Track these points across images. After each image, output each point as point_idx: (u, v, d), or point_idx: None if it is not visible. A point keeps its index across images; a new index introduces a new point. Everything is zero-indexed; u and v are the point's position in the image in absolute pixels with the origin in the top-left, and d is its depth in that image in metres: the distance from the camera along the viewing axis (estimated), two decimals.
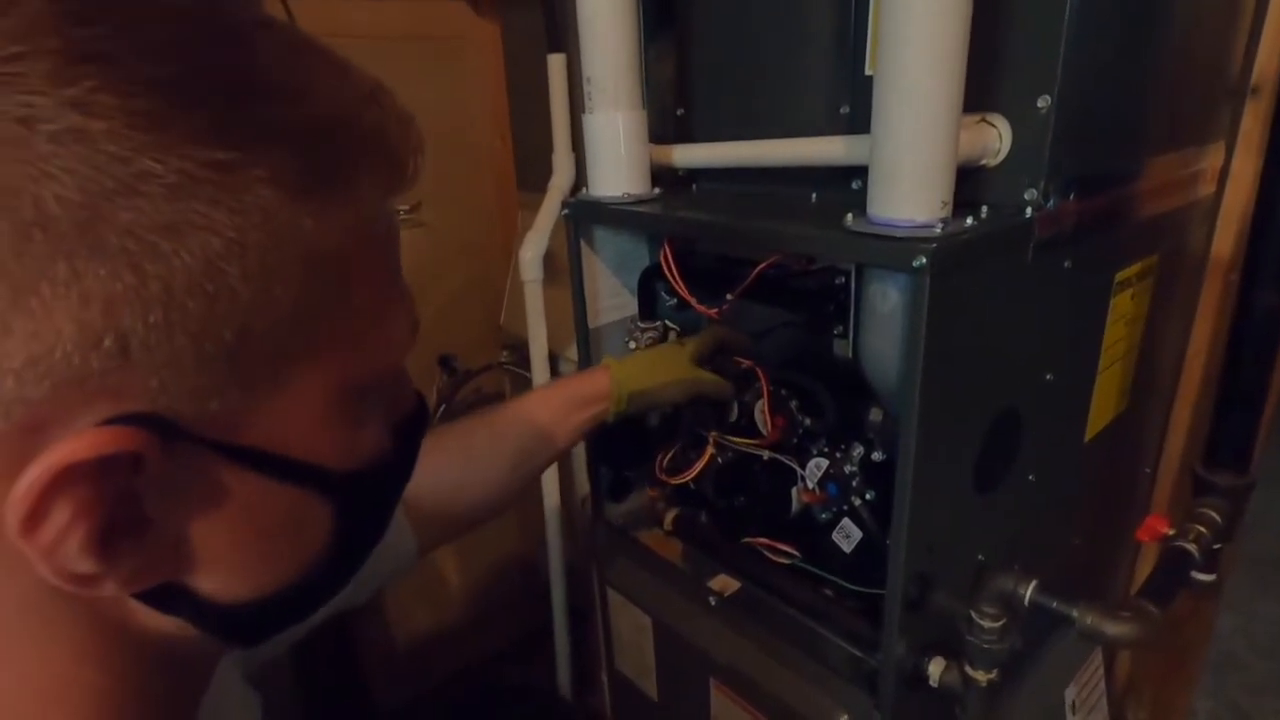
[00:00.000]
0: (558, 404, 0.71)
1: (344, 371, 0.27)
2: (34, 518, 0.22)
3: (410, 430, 0.34)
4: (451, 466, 0.67)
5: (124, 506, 0.24)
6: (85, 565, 0.23)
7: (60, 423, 0.22)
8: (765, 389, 0.74)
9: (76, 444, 0.21)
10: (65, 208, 0.20)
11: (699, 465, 0.80)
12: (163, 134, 0.21)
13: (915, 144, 0.49)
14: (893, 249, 0.50)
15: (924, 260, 0.47)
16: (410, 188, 0.29)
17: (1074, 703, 0.84)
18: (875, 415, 0.68)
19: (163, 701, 0.30)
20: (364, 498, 0.31)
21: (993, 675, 0.59)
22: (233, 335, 0.23)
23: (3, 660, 0.26)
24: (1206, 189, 0.82)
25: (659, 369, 0.74)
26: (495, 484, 0.69)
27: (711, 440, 0.79)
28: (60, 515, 0.22)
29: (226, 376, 0.24)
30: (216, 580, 0.27)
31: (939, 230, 0.50)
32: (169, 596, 0.27)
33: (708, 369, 0.77)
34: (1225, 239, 0.85)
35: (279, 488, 0.27)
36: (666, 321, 0.82)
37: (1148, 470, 0.97)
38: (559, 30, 1.12)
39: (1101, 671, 0.89)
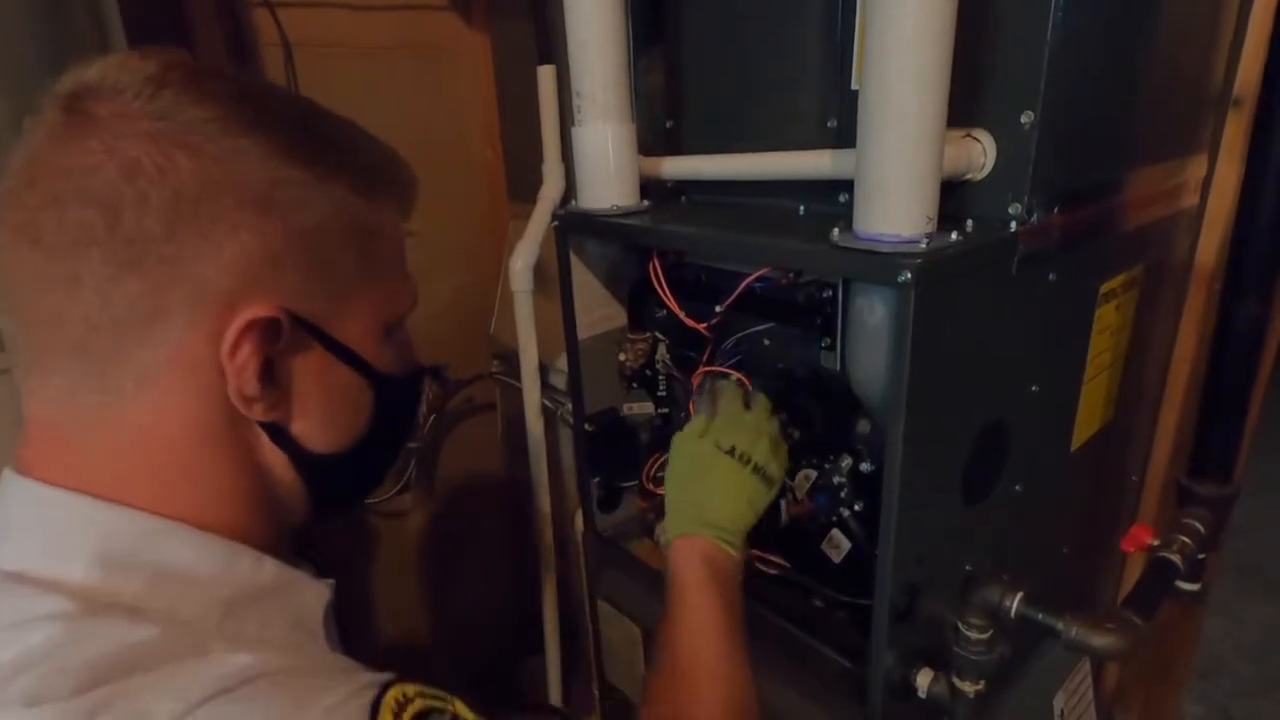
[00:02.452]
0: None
1: (378, 307, 0.46)
2: (235, 347, 0.38)
3: (415, 376, 0.53)
4: None
5: (267, 365, 0.40)
6: (252, 388, 0.40)
7: (242, 303, 0.39)
8: None
9: (257, 308, 0.39)
10: (256, 193, 0.39)
11: None
12: (294, 161, 0.40)
13: (900, 159, 0.50)
14: (878, 263, 0.50)
15: (909, 275, 0.48)
16: (412, 209, 0.49)
17: (1062, 711, 0.84)
18: (863, 426, 0.68)
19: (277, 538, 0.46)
20: (389, 395, 0.48)
21: (980, 686, 0.59)
22: (328, 265, 0.42)
23: (203, 451, 0.41)
24: (1190, 200, 0.83)
25: None
26: None
27: None
28: (245, 349, 0.39)
29: (323, 291, 0.42)
30: (305, 428, 0.44)
31: (924, 245, 0.50)
32: (281, 434, 0.43)
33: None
34: (1209, 249, 0.85)
35: (344, 369, 0.45)
36: (657, 333, 0.82)
37: (1135, 479, 0.97)
38: (549, 42, 1.12)
39: (1090, 679, 0.90)
